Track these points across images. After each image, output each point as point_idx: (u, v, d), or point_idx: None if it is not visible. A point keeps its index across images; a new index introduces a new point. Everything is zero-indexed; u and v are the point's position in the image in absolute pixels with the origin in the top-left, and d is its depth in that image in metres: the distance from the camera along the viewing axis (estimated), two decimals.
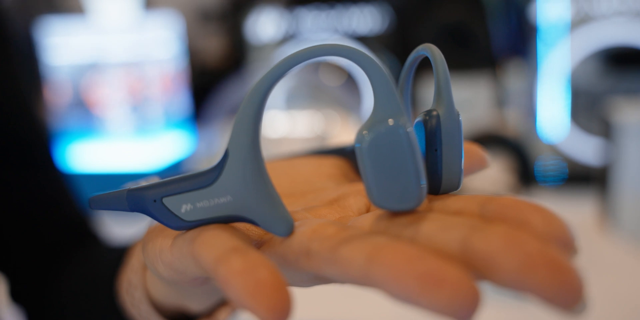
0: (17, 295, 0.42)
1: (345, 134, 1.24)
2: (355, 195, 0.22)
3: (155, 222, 0.23)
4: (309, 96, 1.73)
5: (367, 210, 0.21)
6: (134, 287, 0.30)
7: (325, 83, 1.51)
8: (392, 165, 0.17)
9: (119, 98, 1.16)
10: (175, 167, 1.18)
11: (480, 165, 0.23)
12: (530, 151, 1.09)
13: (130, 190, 0.20)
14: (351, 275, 0.16)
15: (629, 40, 1.13)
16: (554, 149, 1.15)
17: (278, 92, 1.59)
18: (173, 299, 0.29)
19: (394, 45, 1.77)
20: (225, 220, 0.20)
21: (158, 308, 0.30)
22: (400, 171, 0.17)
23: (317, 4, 1.70)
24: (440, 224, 0.16)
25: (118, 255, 0.35)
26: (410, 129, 0.17)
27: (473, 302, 0.14)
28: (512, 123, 1.15)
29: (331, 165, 0.27)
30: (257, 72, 1.70)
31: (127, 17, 1.15)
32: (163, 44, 1.16)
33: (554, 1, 1.14)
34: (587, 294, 0.14)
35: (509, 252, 0.14)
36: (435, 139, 0.20)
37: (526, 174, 1.05)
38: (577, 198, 1.04)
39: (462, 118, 0.20)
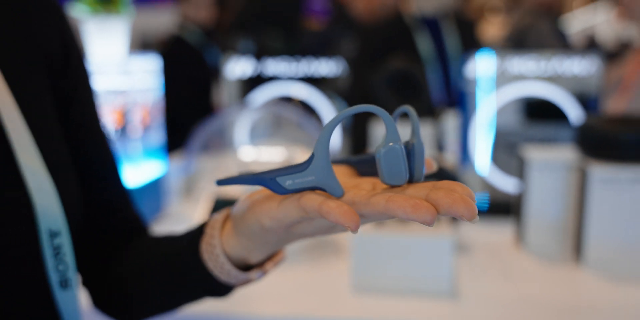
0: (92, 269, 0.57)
1: None
2: (366, 182, 0.41)
3: (249, 193, 0.42)
4: (272, 130, 1.93)
5: (373, 189, 0.40)
6: (213, 246, 0.47)
7: (286, 116, 1.71)
8: (393, 164, 0.36)
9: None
10: (150, 187, 1.32)
11: (431, 168, 0.43)
12: (464, 183, 1.32)
13: (255, 174, 0.38)
14: (377, 211, 0.34)
15: (542, 95, 1.40)
16: (482, 183, 1.38)
17: (246, 126, 1.78)
18: (240, 253, 0.46)
19: (344, 89, 2.08)
20: (310, 189, 0.38)
21: (229, 260, 0.47)
22: (397, 166, 0.36)
23: (283, 56, 1.97)
24: (414, 189, 0.35)
25: (194, 230, 0.51)
26: (403, 148, 0.36)
27: (434, 215, 0.32)
28: (449, 160, 1.37)
29: (344, 169, 0.46)
30: (230, 108, 1.89)
31: (115, 58, 1.30)
32: (145, 81, 1.32)
33: (481, 60, 1.40)
34: (478, 213, 0.33)
35: (445, 198, 0.33)
36: (411, 154, 0.39)
37: None
38: (500, 223, 1.26)
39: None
